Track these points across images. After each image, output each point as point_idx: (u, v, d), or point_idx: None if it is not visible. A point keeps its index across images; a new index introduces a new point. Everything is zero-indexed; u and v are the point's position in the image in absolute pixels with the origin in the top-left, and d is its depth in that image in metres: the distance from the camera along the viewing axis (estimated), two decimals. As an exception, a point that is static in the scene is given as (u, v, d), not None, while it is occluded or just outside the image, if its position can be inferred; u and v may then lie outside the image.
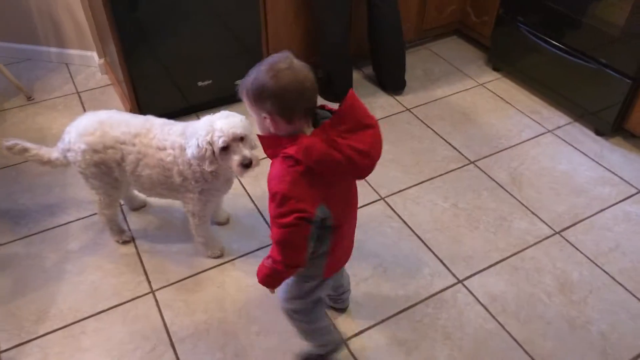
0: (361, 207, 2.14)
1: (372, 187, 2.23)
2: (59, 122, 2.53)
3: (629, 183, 2.28)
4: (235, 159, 1.55)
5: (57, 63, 2.99)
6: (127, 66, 2.28)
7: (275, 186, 1.12)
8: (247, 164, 1.56)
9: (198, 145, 1.57)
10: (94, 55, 2.90)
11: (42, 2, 2.75)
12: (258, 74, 1.09)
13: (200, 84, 2.47)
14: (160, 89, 2.41)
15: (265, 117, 1.11)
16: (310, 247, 1.21)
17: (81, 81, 2.86)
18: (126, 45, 2.22)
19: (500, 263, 1.95)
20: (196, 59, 2.40)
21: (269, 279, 1.27)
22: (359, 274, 1.90)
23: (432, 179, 2.30)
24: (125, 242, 2.00)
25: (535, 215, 2.14)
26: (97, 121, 1.73)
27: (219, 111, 1.63)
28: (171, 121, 1.78)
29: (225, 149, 1.55)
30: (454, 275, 1.91)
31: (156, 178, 1.72)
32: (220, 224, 2.09)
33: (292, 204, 1.11)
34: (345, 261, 1.47)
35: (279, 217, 1.13)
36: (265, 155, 1.22)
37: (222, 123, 1.55)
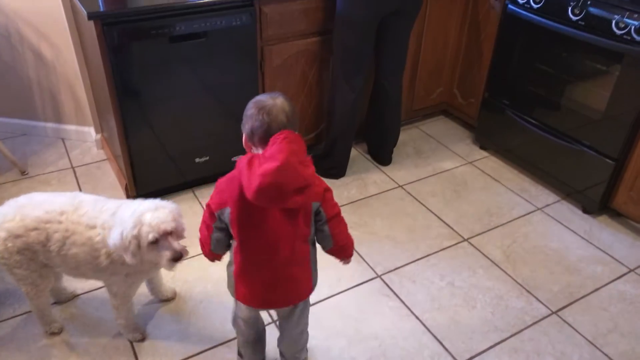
0: (358, 285, 2.12)
1: (368, 264, 2.22)
2: (52, 196, 2.51)
3: (619, 262, 2.31)
4: (166, 254, 1.52)
5: (53, 138, 3.01)
6: (127, 142, 2.30)
7: None
8: (177, 258, 1.53)
9: (122, 236, 1.50)
10: (90, 130, 2.93)
11: (44, 79, 2.82)
12: (252, 99, 1.35)
13: (197, 160, 2.50)
14: (157, 164, 2.43)
15: (243, 132, 1.36)
16: (215, 244, 1.43)
17: (77, 156, 2.88)
18: (126, 122, 2.26)
19: (500, 344, 1.92)
20: (194, 135, 2.44)
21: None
22: (358, 357, 1.85)
23: (427, 256, 2.31)
24: (53, 334, 1.89)
25: (531, 294, 2.14)
26: (16, 206, 1.64)
27: (149, 199, 1.59)
28: (103, 198, 1.72)
29: (154, 243, 1.52)
30: (454, 358, 1.87)
31: (82, 257, 1.63)
32: (167, 300, 2.04)
33: (214, 192, 1.38)
34: (261, 303, 1.50)
35: None
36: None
37: (151, 217, 1.50)
